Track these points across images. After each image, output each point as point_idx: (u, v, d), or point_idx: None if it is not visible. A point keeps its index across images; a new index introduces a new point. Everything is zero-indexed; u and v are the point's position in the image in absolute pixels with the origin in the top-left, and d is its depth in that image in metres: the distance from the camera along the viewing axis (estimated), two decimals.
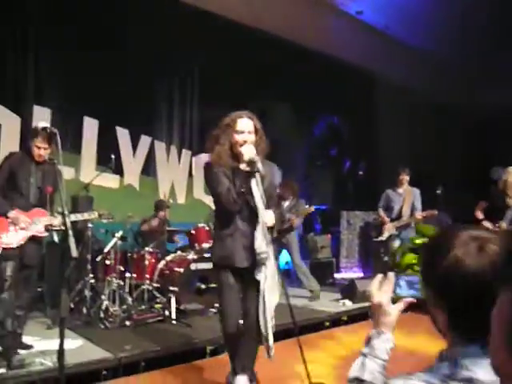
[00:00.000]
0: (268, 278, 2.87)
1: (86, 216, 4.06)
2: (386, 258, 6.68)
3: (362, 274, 8.70)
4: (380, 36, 9.02)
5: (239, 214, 2.90)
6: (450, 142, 10.84)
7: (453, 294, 0.98)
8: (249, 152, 2.81)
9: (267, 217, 2.88)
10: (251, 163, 2.80)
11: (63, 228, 1.96)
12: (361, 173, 9.81)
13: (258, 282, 2.88)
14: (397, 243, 6.31)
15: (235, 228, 2.91)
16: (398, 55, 9.48)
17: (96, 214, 4.17)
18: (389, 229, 6.31)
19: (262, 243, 2.84)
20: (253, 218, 2.88)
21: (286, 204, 6.37)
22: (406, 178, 6.36)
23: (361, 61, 9.15)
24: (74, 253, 1.88)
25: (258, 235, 2.85)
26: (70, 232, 1.90)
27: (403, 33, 9.13)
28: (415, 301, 1.28)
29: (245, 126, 2.91)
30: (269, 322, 2.86)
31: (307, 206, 6.55)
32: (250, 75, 7.58)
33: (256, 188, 2.85)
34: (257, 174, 2.82)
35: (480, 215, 5.30)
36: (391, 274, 1.29)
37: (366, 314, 5.78)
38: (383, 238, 6.38)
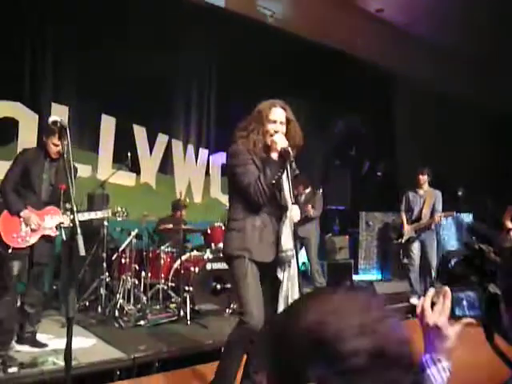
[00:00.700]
0: (290, 279, 2.68)
1: (99, 215, 4.02)
2: (405, 261, 6.53)
3: (380, 277, 8.55)
4: (400, 34, 8.85)
5: (264, 206, 2.70)
6: (471, 142, 10.58)
7: None
8: (282, 141, 2.66)
9: (295, 212, 2.74)
10: (284, 153, 2.65)
11: (72, 225, 1.88)
12: (379, 173, 9.64)
13: (277, 282, 2.69)
14: (416, 246, 6.15)
15: (258, 220, 2.71)
16: (418, 54, 9.29)
17: (110, 212, 4.12)
18: (408, 231, 6.16)
19: (288, 239, 2.68)
20: (277, 211, 2.73)
21: (303, 198, 6.34)
22: (424, 179, 6.20)
23: (380, 59, 8.99)
24: (82, 251, 1.82)
25: (284, 230, 2.69)
26: (79, 230, 1.84)
27: (423, 31, 8.95)
28: (475, 322, 1.07)
29: (278, 116, 2.76)
30: None
31: (319, 192, 6.52)
32: (268, 73, 7.49)
33: (286, 180, 2.72)
34: (288, 166, 2.68)
35: (509, 224, 5.11)
36: (447, 290, 1.07)
37: None
38: (402, 240, 6.24)
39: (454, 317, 1.07)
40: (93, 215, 3.99)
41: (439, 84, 9.66)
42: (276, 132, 2.71)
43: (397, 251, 7.19)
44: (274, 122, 2.74)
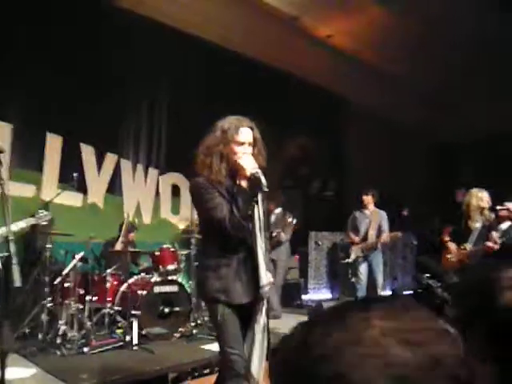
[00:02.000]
0: (266, 313, 2.47)
1: (21, 225, 3.62)
2: (353, 280, 6.66)
3: (330, 296, 8.66)
4: (349, 60, 9.16)
5: (236, 240, 2.43)
6: (418, 165, 11.03)
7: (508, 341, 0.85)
8: (250, 166, 2.38)
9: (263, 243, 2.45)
10: (254, 180, 2.37)
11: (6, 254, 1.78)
12: (329, 193, 9.84)
13: (254, 319, 2.47)
14: (363, 265, 6.30)
15: (234, 257, 2.45)
16: (368, 79, 9.64)
17: (32, 220, 3.74)
18: (355, 251, 6.31)
19: (265, 274, 2.43)
20: (251, 244, 2.45)
21: (272, 219, 6.30)
22: (369, 199, 6.38)
23: (331, 83, 9.27)
24: (18, 282, 1.74)
25: (260, 264, 2.42)
26: (14, 260, 1.76)
27: (372, 57, 9.31)
28: None
29: (246, 137, 2.47)
30: (262, 368, 2.44)
31: (292, 220, 6.50)
32: (219, 95, 7.54)
33: (257, 210, 2.42)
34: (259, 194, 2.39)
35: (446, 237, 5.34)
36: None
37: None
38: (350, 260, 6.37)
39: None
40: (14, 227, 3.64)
41: (387, 110, 10.06)
42: (244, 155, 2.45)
43: (345, 270, 7.34)
44: (242, 144, 2.46)
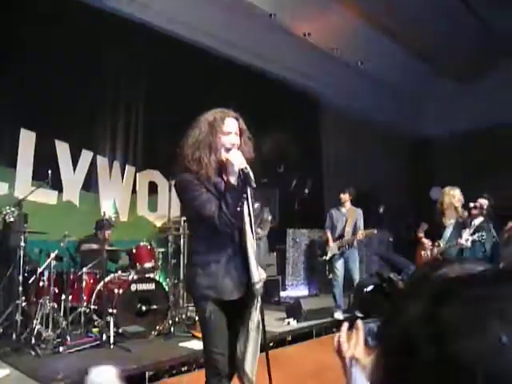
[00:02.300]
0: (259, 310, 2.46)
1: None
2: (330, 276, 6.73)
3: (307, 292, 8.72)
4: (326, 58, 9.23)
5: (225, 236, 2.40)
6: (395, 163, 11.19)
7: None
8: (238, 161, 2.35)
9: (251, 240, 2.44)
10: (243, 175, 2.35)
11: None
12: (307, 191, 9.90)
13: (247, 316, 2.45)
14: (340, 262, 6.37)
15: (224, 253, 2.41)
16: (344, 77, 9.72)
17: None
18: (332, 248, 6.37)
19: (256, 271, 2.40)
20: (241, 240, 2.44)
21: None
22: (346, 197, 6.45)
23: (308, 81, 9.32)
24: None
25: (251, 261, 2.40)
26: None
27: (350, 56, 9.40)
28: None
29: (232, 127, 2.44)
30: (255, 365, 2.44)
31: (269, 216, 6.51)
32: (197, 92, 7.51)
33: (246, 206, 2.42)
34: (248, 190, 2.38)
35: (420, 233, 5.46)
36: (359, 323, 1.10)
37: (311, 334, 5.78)
38: (327, 257, 6.43)
39: (369, 346, 1.09)
40: None
41: (365, 108, 10.16)
42: (233, 145, 2.42)
43: (322, 267, 7.41)
44: (229, 133, 2.43)
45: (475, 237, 4.89)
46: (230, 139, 2.42)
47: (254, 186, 2.37)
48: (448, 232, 5.14)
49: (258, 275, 2.43)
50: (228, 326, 2.45)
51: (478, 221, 5.25)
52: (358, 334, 1.09)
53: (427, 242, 5.28)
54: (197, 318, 2.68)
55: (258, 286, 2.42)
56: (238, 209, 2.35)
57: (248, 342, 2.45)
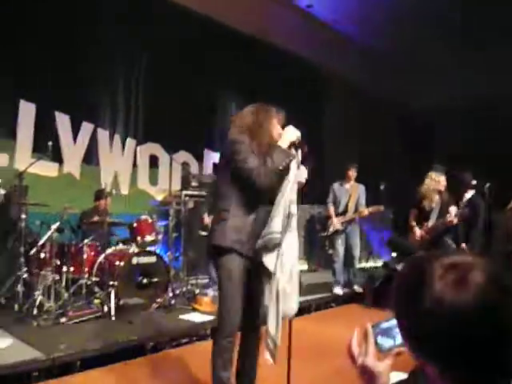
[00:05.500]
0: (287, 272, 2.54)
1: None
2: (330, 252, 6.76)
3: (306, 267, 8.77)
4: (329, 31, 9.08)
5: (255, 196, 2.59)
6: (397, 140, 11.10)
7: (437, 340, 0.81)
8: (294, 133, 2.63)
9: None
10: (298, 144, 2.63)
11: None
12: (307, 166, 9.85)
13: (266, 272, 2.55)
14: (341, 238, 6.38)
15: (252, 212, 2.60)
16: (348, 51, 9.58)
17: None
18: (335, 224, 6.37)
19: (276, 225, 2.52)
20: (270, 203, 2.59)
21: None
22: (354, 173, 6.43)
23: (310, 54, 9.18)
24: None
25: (275, 217, 2.53)
26: None
27: (353, 29, 9.24)
28: (402, 350, 1.06)
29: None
30: (280, 323, 2.52)
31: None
32: (199, 64, 7.41)
33: (292, 168, 2.60)
34: (294, 161, 2.59)
35: (411, 221, 5.62)
36: (368, 327, 1.09)
37: (310, 308, 5.84)
38: (329, 232, 6.44)
39: (382, 351, 1.07)
40: None
41: (367, 82, 10.04)
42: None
43: (322, 243, 7.42)
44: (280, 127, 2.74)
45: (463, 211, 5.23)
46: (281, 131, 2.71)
47: (306, 149, 2.64)
48: (435, 213, 5.38)
49: (275, 227, 2.51)
50: (247, 283, 2.60)
51: (469, 194, 5.78)
52: (368, 340, 1.08)
53: (417, 230, 5.47)
54: (216, 276, 2.80)
55: (269, 237, 2.51)
56: (281, 168, 2.52)
57: (272, 301, 2.51)
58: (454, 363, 0.81)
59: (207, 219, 5.80)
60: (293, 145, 2.62)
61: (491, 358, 0.79)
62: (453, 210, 5.21)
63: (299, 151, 2.64)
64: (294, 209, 2.61)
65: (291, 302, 2.57)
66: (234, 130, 2.69)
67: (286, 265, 2.54)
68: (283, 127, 2.71)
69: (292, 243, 2.60)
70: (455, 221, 5.13)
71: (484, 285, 0.79)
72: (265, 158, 2.53)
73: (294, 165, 2.60)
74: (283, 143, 2.59)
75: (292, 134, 2.62)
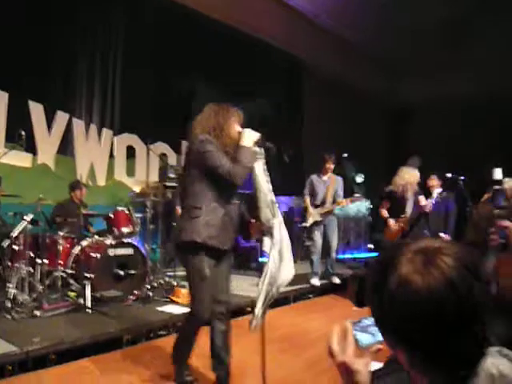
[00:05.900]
0: (284, 248, 2.85)
1: None
2: (307, 243, 6.79)
3: None
4: (309, 23, 9.06)
5: (226, 192, 2.84)
6: (375, 131, 11.19)
7: (404, 324, 0.81)
8: (253, 135, 2.83)
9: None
10: (260, 143, 2.85)
11: None
12: (286, 158, 9.87)
13: (229, 265, 3.00)
14: (319, 229, 6.42)
15: (222, 208, 2.82)
16: (326, 43, 9.59)
17: None
18: (313, 215, 6.39)
19: (267, 213, 2.82)
20: (240, 199, 3.00)
21: None
22: (331, 165, 6.46)
23: (289, 46, 9.16)
24: None
25: (262, 207, 2.82)
26: None
27: (332, 22, 9.24)
28: (382, 347, 1.04)
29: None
30: (263, 292, 2.75)
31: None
32: (176, 54, 7.32)
33: (259, 165, 2.85)
34: (260, 160, 2.84)
35: (385, 213, 5.70)
36: (348, 324, 1.07)
37: (288, 299, 5.87)
38: (307, 224, 6.46)
39: (361, 348, 1.06)
40: None
41: (346, 75, 10.07)
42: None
43: (300, 234, 7.46)
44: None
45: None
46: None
47: (272, 146, 2.87)
48: (410, 205, 5.51)
49: (269, 215, 2.83)
50: (215, 273, 2.85)
51: (438, 190, 5.94)
52: (347, 337, 1.06)
53: (393, 224, 5.55)
54: (184, 271, 3.06)
55: (267, 225, 2.82)
56: (250, 165, 2.76)
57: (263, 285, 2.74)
58: (420, 346, 0.82)
59: (180, 211, 5.76)
60: (256, 143, 2.85)
61: (455, 340, 0.80)
62: (422, 198, 5.43)
63: (265, 144, 2.89)
64: (273, 196, 2.88)
65: (290, 268, 2.85)
66: (200, 130, 2.89)
67: (285, 245, 2.88)
68: (243, 127, 2.92)
69: (281, 225, 2.90)
70: (428, 206, 5.35)
71: (451, 267, 0.80)
72: (231, 157, 2.75)
73: (258, 161, 2.86)
74: (248, 143, 2.80)
75: (254, 134, 2.84)
